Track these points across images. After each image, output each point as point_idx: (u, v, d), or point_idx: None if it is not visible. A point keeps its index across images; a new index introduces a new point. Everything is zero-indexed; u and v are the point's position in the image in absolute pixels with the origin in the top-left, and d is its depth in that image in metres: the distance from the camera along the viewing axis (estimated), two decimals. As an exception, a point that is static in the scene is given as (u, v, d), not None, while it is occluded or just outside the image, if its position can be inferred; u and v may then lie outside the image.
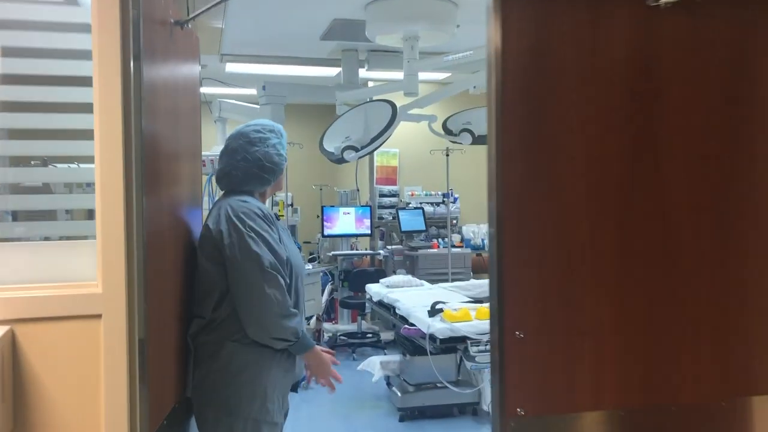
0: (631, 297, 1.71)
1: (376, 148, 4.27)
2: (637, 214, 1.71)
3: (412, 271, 6.89)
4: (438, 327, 3.85)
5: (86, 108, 1.56)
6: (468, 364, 3.98)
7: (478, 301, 4.36)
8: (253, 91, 5.95)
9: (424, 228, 7.04)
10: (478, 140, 4.36)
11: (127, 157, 1.54)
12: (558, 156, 1.69)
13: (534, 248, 1.69)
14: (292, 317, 2.05)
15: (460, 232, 7.19)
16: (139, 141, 1.58)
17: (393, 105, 4.20)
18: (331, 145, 4.21)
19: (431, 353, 3.96)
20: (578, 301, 1.71)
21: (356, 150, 4.05)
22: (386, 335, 6.64)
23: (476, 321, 3.93)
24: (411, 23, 4.19)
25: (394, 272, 6.81)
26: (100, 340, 1.52)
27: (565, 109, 1.68)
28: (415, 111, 4.49)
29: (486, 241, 7.36)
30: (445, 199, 6.83)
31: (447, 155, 6.21)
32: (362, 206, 7.13)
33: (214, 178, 2.45)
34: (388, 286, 5.20)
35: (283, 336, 2.04)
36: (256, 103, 5.36)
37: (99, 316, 1.52)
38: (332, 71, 6.56)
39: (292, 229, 6.87)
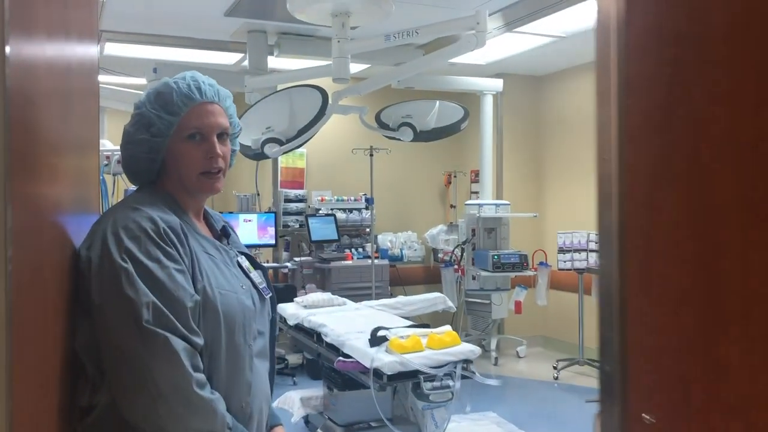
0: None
1: (306, 142, 3.53)
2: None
3: (323, 285, 6.16)
4: (385, 361, 3.15)
5: None
6: (419, 404, 3.32)
7: (423, 324, 3.71)
8: (138, 81, 5.00)
9: (336, 237, 6.32)
10: (420, 136, 3.72)
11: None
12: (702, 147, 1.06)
13: (670, 286, 1.04)
14: (203, 407, 1.26)
15: (375, 242, 6.54)
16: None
17: (323, 91, 3.49)
18: (247, 138, 3.43)
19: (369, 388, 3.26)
20: (733, 365, 1.08)
21: (281, 143, 3.30)
22: (293, 359, 5.87)
23: (428, 351, 3.28)
24: (344, -6, 3.50)
25: (303, 288, 6.05)
26: None
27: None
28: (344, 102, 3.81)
29: (405, 252, 6.76)
30: (368, 205, 6.16)
31: (371, 155, 5.54)
32: (266, 213, 6.31)
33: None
34: (306, 307, 4.43)
35: None
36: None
37: None
38: (232, 58, 5.71)
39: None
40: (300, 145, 3.56)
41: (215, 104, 1.45)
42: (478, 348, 3.36)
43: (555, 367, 5.81)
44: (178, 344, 1.25)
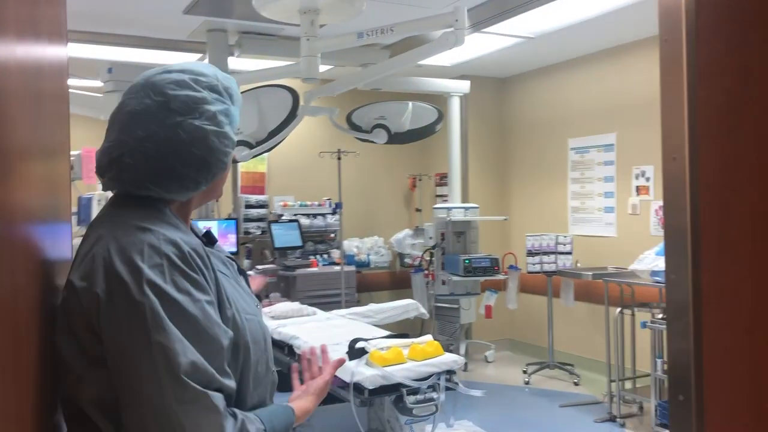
0: None
1: (276, 145, 3.35)
2: None
3: (287, 293, 5.96)
4: (367, 374, 3.00)
5: None
6: (401, 419, 3.17)
7: (402, 334, 3.56)
8: (90, 84, 4.73)
9: (300, 243, 6.13)
10: (395, 138, 3.58)
11: None
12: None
13: (743, 303, 0.93)
14: None
15: (339, 247, 6.37)
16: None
17: (293, 92, 3.32)
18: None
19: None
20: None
21: (250, 146, 3.12)
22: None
23: (411, 362, 3.13)
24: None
25: (267, 296, 5.84)
26: None
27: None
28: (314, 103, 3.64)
29: (372, 257, 6.60)
30: (336, 210, 5.98)
31: (339, 158, 5.37)
32: (226, 219, 6.07)
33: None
34: (274, 317, 4.24)
35: None
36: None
37: None
38: (191, 58, 5.46)
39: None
40: (271, 148, 3.38)
41: None
42: (462, 358, 3.24)
43: (525, 371, 5.75)
44: (218, 400, 1.05)
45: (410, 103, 3.74)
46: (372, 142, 3.76)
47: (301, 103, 3.31)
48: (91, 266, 1.06)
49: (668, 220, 0.94)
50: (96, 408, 1.06)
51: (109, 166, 1.16)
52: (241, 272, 1.34)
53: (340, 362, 1.55)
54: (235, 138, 1.24)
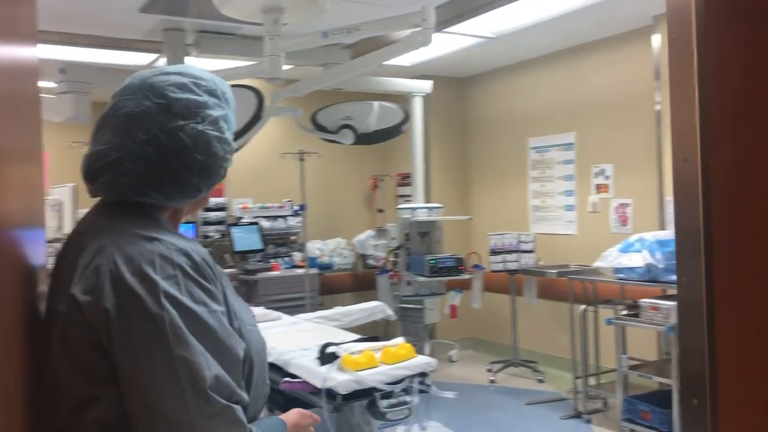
0: None
1: (241, 147, 3.27)
2: None
3: (249, 298, 5.85)
4: (339, 380, 2.94)
5: None
6: (372, 423, 3.13)
7: (373, 338, 3.52)
8: (41, 84, 4.54)
9: (261, 247, 6.03)
10: (362, 139, 3.53)
11: None
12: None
13: (755, 299, 0.92)
14: None
15: (302, 250, 6.29)
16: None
17: (258, 92, 3.24)
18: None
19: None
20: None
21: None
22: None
23: (383, 366, 3.09)
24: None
25: (229, 301, 5.72)
26: None
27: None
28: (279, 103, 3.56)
29: (335, 259, 6.54)
30: (300, 212, 5.89)
31: (301, 159, 5.29)
32: (184, 223, 5.92)
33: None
34: (239, 323, 4.15)
35: None
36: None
37: None
38: (146, 58, 5.32)
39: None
40: (236, 151, 3.29)
41: None
42: (434, 360, 3.21)
43: (490, 370, 5.77)
44: (241, 414, 1.02)
45: (376, 104, 3.70)
46: (338, 142, 3.70)
47: (267, 103, 3.24)
48: (95, 279, 1.00)
49: (679, 221, 0.93)
50: (103, 428, 1.00)
51: (103, 170, 1.09)
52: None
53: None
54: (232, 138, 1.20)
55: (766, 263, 0.87)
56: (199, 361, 0.98)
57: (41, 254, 1.16)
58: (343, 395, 2.94)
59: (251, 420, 1.16)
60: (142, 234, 1.05)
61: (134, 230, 1.06)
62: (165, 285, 0.99)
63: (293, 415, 1.36)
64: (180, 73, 1.15)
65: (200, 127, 1.12)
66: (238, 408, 1.02)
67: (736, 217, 0.89)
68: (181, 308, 0.99)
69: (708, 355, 0.90)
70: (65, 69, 3.91)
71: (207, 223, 6.27)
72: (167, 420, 0.96)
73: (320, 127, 3.67)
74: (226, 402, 0.99)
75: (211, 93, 1.16)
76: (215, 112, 1.14)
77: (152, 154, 1.08)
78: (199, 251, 1.08)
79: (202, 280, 1.04)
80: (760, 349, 0.89)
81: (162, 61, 5.03)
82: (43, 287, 1.08)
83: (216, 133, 1.13)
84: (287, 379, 3.23)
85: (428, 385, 3.21)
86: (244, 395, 1.05)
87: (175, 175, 1.10)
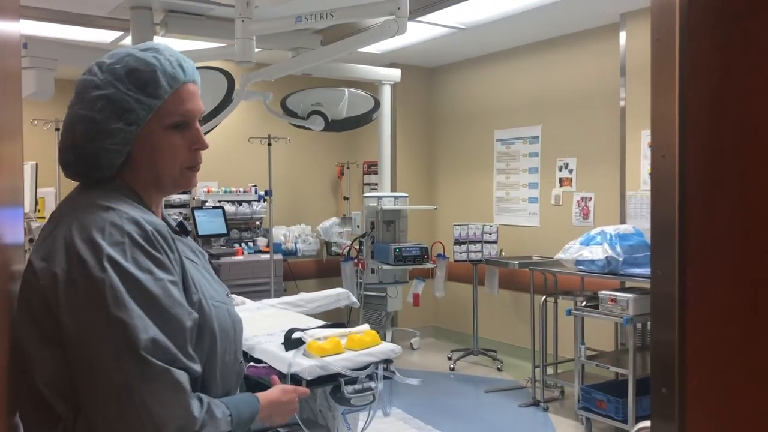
0: None
1: (210, 131, 3.23)
2: None
3: (211, 282, 5.80)
4: (305, 365, 2.95)
5: None
6: (339, 408, 3.15)
7: (338, 324, 3.53)
8: None
9: (225, 231, 5.98)
10: (332, 126, 3.53)
11: None
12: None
13: (723, 296, 0.95)
14: None
15: (267, 236, 6.25)
16: None
17: (229, 75, 3.20)
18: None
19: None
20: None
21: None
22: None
23: (348, 352, 3.11)
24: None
25: (191, 285, 5.67)
26: None
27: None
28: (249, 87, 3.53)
29: (300, 246, 6.52)
30: (266, 197, 5.85)
31: (269, 144, 5.25)
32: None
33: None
34: (202, 307, 4.12)
35: None
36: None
37: None
38: (110, 36, 5.20)
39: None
40: (204, 134, 3.25)
41: (195, 83, 1.21)
42: (399, 347, 3.24)
43: (450, 358, 5.85)
44: (182, 377, 1.02)
45: (346, 90, 3.68)
46: (308, 128, 3.68)
47: (237, 87, 3.20)
48: (52, 246, 1.04)
49: (655, 215, 0.96)
50: (51, 389, 1.03)
51: (66, 156, 1.19)
52: (211, 263, 1.32)
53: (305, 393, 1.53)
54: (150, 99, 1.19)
55: (736, 257, 0.91)
56: (135, 323, 1.00)
57: (20, 232, 1.16)
58: (308, 380, 2.96)
59: (222, 396, 1.17)
60: (100, 204, 1.09)
61: (95, 200, 1.10)
62: (110, 250, 1.02)
63: (274, 391, 1.38)
64: (111, 54, 1.18)
65: (76, 108, 1.15)
66: (179, 372, 1.02)
67: (708, 212, 0.93)
68: (123, 273, 1.02)
69: (678, 346, 0.93)
70: (27, 44, 3.80)
71: (169, 206, 6.18)
72: (105, 382, 0.99)
73: (290, 113, 3.64)
74: (164, 365, 1.01)
75: (112, 72, 1.15)
76: (96, 93, 1.13)
77: (87, 147, 1.15)
78: (153, 222, 1.10)
79: (150, 249, 1.06)
80: (727, 340, 0.93)
81: (127, 40, 4.92)
82: (21, 265, 1.09)
83: (85, 113, 1.13)
84: (251, 363, 3.23)
85: (393, 372, 3.24)
86: (193, 365, 1.07)
87: (78, 153, 1.16)
